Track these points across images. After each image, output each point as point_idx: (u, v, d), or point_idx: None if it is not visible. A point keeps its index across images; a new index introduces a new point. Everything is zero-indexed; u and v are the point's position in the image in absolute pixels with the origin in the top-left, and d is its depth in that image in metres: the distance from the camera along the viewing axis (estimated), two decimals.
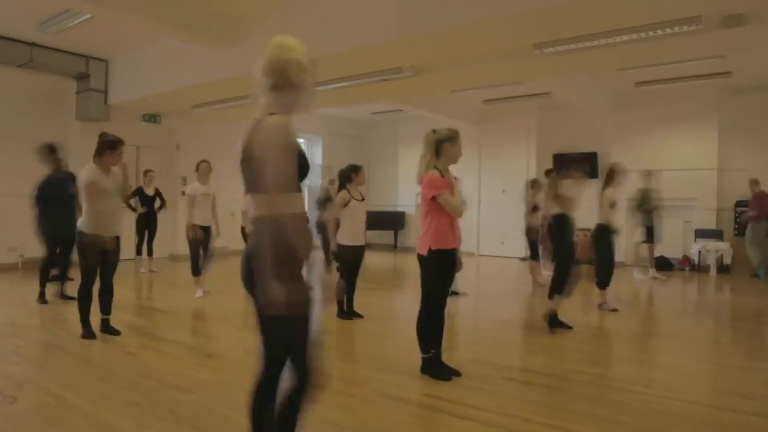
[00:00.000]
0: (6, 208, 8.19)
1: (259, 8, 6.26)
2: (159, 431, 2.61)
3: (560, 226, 4.91)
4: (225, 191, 10.43)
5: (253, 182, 1.75)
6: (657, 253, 9.23)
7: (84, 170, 4.17)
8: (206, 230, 6.19)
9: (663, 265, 9.42)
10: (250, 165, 1.74)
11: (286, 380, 1.95)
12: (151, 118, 9.99)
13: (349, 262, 5.18)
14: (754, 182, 8.73)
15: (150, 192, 8.23)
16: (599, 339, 4.80)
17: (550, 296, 4.88)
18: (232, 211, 10.38)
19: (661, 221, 8.48)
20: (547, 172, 7.53)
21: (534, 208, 7.45)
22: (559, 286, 4.81)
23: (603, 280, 5.76)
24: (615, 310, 5.76)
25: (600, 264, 5.76)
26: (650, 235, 8.38)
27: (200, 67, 7.14)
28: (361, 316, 5.30)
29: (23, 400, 2.95)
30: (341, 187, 5.25)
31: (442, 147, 3.35)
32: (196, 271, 6.23)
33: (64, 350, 4.02)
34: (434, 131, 3.41)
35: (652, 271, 8.52)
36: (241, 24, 6.52)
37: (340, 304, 5.27)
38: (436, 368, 3.46)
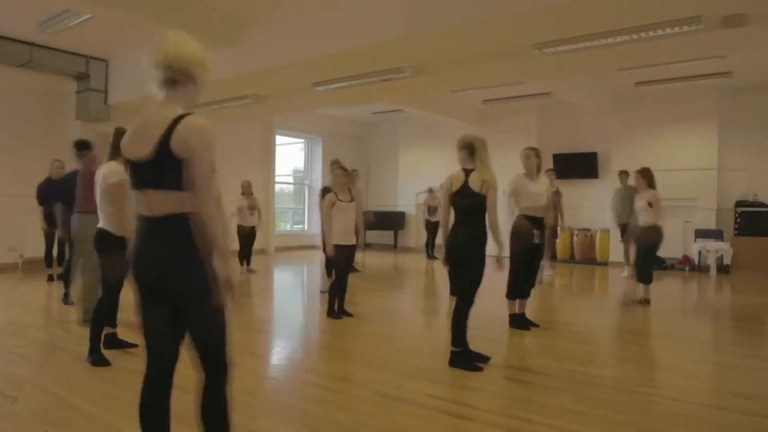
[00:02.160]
0: (6, 208, 8.18)
1: (259, 8, 6.25)
2: None
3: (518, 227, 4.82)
4: (225, 192, 10.48)
5: (167, 179, 1.75)
6: None
7: (106, 168, 3.73)
8: None
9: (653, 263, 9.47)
10: (167, 162, 1.74)
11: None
12: None
13: (341, 261, 5.27)
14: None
15: None
16: (599, 339, 4.80)
17: (510, 297, 4.88)
18: (231, 211, 10.40)
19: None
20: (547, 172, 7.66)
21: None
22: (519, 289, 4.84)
23: (645, 276, 5.99)
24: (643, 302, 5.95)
25: (642, 261, 6.04)
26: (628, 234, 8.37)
27: None
28: (351, 315, 5.31)
29: (23, 400, 2.95)
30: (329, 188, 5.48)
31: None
32: None
33: (64, 350, 4.02)
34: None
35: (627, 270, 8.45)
36: (241, 24, 6.51)
37: (331, 303, 5.29)
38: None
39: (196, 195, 1.73)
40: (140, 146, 1.78)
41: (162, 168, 1.74)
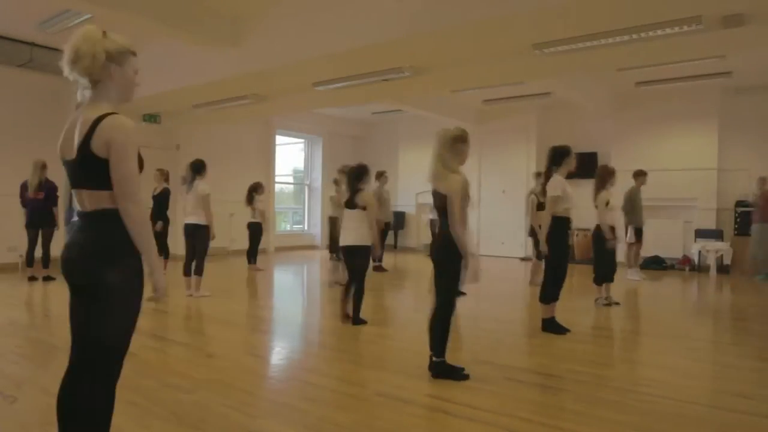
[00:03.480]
0: (6, 208, 8.18)
1: (259, 8, 6.25)
2: (159, 431, 2.61)
3: (555, 229, 4.65)
4: (225, 192, 10.49)
5: (93, 179, 1.77)
6: (653, 253, 9.37)
7: None
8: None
9: (652, 264, 9.48)
10: (90, 162, 1.75)
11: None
12: (151, 118, 9.98)
13: (365, 264, 5.02)
14: (763, 180, 8.59)
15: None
16: (599, 339, 4.80)
17: (545, 301, 4.71)
18: (231, 211, 10.42)
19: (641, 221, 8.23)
20: (538, 174, 7.70)
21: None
22: (553, 292, 4.69)
23: (597, 277, 6.04)
24: (612, 304, 5.97)
25: (595, 262, 6.09)
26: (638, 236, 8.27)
27: (200, 67, 7.13)
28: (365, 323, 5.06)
29: (23, 400, 2.95)
30: (357, 188, 4.95)
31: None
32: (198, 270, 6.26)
33: (64, 350, 4.01)
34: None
35: (634, 271, 8.36)
36: (241, 24, 6.51)
37: (357, 310, 4.96)
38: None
39: (117, 195, 1.75)
40: (68, 148, 1.82)
41: (87, 169, 1.77)
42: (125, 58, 1.91)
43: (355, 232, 4.86)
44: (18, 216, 7.87)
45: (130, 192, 1.75)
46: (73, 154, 1.79)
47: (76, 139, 1.78)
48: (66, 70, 1.84)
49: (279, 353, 4.28)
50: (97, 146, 1.73)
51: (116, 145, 1.74)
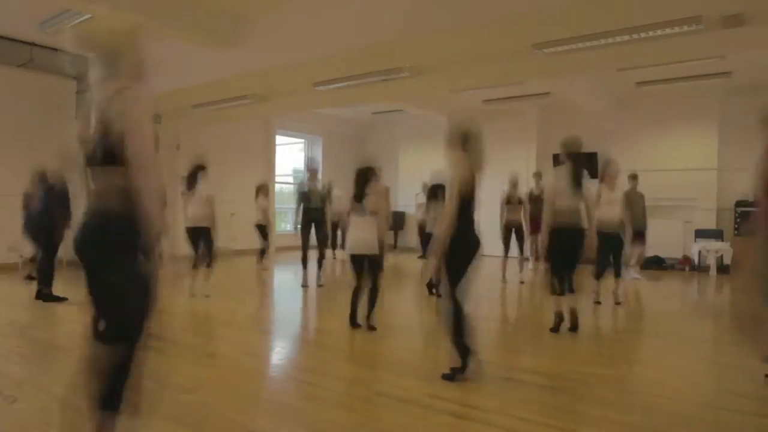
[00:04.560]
0: (6, 208, 8.18)
1: (259, 8, 6.26)
2: (159, 431, 2.60)
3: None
4: (225, 192, 10.50)
5: (108, 155, 1.83)
6: (653, 253, 9.37)
7: None
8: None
9: (652, 264, 9.49)
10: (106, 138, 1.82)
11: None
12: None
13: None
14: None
15: None
16: (599, 339, 4.80)
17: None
18: (232, 211, 10.41)
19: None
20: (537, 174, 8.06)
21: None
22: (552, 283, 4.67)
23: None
24: (599, 302, 5.98)
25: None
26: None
27: (200, 67, 7.14)
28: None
29: (23, 400, 2.95)
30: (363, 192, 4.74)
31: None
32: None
33: (64, 350, 4.02)
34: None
35: (632, 271, 8.28)
36: (241, 24, 6.51)
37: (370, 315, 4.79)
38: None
39: (133, 170, 1.85)
40: (86, 127, 1.94)
41: (103, 145, 1.86)
42: (140, 43, 2.04)
43: (362, 233, 4.69)
44: (18, 216, 7.88)
45: (143, 165, 1.79)
46: (89, 132, 1.86)
47: (95, 116, 1.85)
48: (86, 48, 1.98)
49: (279, 353, 4.28)
50: (113, 120, 1.80)
51: (130, 119, 1.79)
